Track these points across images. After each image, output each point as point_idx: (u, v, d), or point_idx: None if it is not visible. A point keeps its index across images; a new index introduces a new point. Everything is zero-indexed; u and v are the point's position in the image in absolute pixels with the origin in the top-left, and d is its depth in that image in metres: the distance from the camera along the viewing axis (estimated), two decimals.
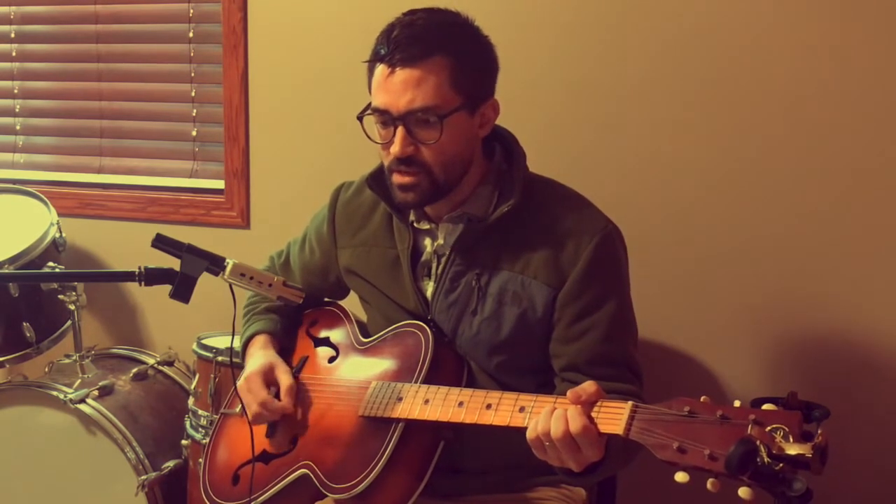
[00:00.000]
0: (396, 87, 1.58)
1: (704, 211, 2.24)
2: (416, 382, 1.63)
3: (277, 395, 1.78)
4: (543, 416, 1.40)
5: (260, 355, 1.84)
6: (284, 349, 1.89)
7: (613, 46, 2.26)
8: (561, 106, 2.32)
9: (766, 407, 1.21)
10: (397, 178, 1.64)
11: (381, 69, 1.61)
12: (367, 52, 1.67)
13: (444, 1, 1.74)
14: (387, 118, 1.62)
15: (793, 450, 1.14)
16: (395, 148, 1.60)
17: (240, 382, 1.80)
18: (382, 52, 1.61)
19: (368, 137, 1.68)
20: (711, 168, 2.22)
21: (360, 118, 1.67)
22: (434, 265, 1.74)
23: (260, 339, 1.89)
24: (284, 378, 1.79)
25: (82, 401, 2.40)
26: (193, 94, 2.76)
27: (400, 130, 1.60)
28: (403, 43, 1.58)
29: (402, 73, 1.58)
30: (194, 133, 2.78)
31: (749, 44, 2.16)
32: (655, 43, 2.23)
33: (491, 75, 1.69)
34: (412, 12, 1.65)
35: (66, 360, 2.59)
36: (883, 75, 2.08)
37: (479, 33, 1.67)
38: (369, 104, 1.65)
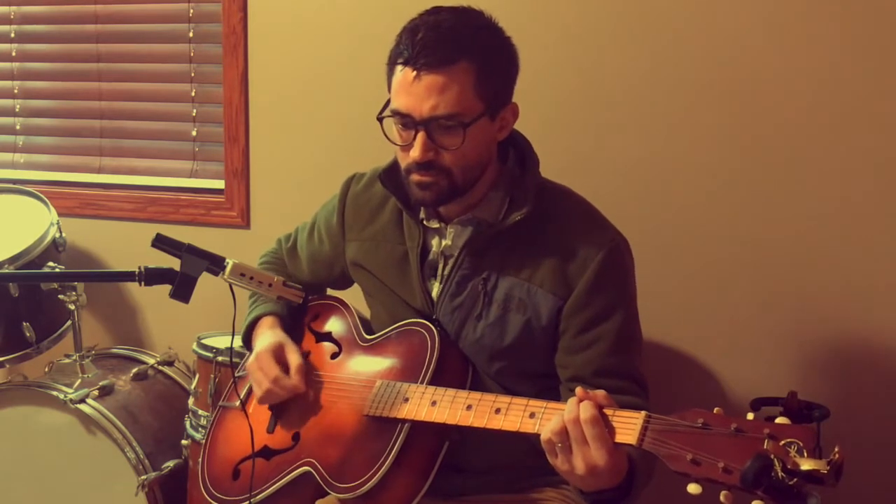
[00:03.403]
0: (420, 92, 1.55)
1: (706, 212, 2.24)
2: (421, 383, 1.62)
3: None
4: (557, 416, 1.38)
5: (269, 335, 1.83)
6: (290, 334, 1.88)
7: (614, 47, 2.26)
8: (563, 106, 2.32)
9: (779, 420, 1.21)
10: (416, 177, 1.62)
11: (404, 71, 1.57)
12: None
13: (450, 0, 1.70)
14: (408, 121, 1.59)
15: (807, 465, 1.14)
16: (416, 153, 1.58)
17: (250, 360, 1.80)
18: (406, 53, 1.57)
19: (387, 138, 1.65)
20: (713, 169, 2.22)
21: (379, 119, 1.64)
22: (440, 266, 1.74)
23: (268, 320, 1.88)
24: (294, 357, 1.78)
25: (82, 401, 2.40)
26: (193, 94, 2.76)
27: (421, 135, 1.57)
28: (430, 46, 1.54)
29: (426, 78, 1.54)
30: (194, 133, 2.78)
31: (752, 44, 2.16)
32: (657, 44, 2.23)
33: (513, 79, 1.66)
34: (436, 11, 1.61)
35: (66, 360, 2.59)
36: (886, 75, 2.08)
37: (503, 36, 1.64)
38: (387, 103, 1.62)
